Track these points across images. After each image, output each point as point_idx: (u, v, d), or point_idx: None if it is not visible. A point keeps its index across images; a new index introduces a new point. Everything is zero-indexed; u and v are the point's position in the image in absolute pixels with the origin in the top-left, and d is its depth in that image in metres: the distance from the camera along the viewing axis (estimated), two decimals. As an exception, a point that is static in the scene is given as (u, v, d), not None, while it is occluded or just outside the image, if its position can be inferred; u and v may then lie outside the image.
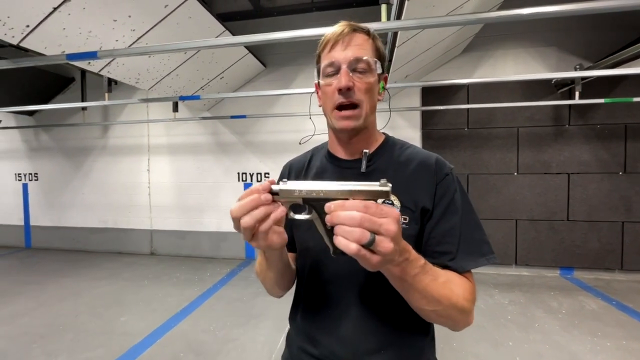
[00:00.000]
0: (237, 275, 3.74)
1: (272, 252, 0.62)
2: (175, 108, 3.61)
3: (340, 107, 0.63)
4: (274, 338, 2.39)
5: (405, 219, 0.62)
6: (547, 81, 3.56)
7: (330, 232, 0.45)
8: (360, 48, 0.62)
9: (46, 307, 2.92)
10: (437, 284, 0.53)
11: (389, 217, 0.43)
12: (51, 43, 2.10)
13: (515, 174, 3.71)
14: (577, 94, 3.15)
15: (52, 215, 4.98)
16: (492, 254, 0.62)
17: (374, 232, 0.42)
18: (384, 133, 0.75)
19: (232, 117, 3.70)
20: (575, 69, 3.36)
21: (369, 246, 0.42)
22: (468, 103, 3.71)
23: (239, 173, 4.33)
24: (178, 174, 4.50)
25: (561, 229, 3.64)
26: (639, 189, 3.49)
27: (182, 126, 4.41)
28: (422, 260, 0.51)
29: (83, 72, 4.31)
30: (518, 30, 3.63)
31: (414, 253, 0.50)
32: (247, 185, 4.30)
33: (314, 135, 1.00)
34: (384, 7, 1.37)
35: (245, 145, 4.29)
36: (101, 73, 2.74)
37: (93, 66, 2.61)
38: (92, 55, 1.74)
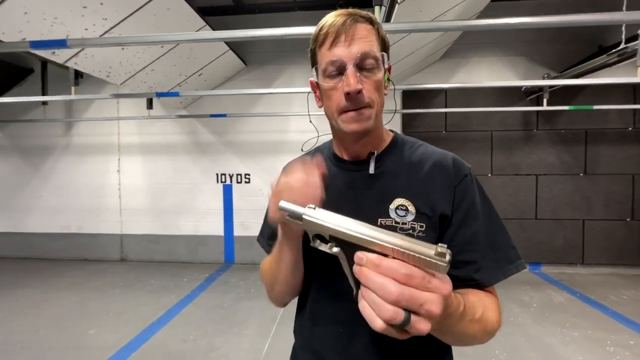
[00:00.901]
0: (216, 281, 3.60)
1: (292, 236, 0.55)
2: (150, 105, 3.41)
3: (348, 110, 0.57)
4: (259, 345, 2.31)
5: (421, 226, 0.56)
6: (518, 88, 3.78)
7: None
8: (365, 41, 0.54)
9: (0, 323, 2.64)
10: (473, 322, 0.48)
11: (436, 293, 0.34)
12: (10, 28, 1.90)
13: (490, 175, 3.90)
14: (544, 101, 3.37)
15: (6, 220, 4.52)
16: (519, 259, 0.58)
17: (412, 311, 0.34)
18: (391, 130, 0.68)
19: (212, 115, 3.57)
20: (544, 78, 3.59)
21: (400, 327, 0.34)
22: (446, 107, 3.85)
23: (217, 174, 4.18)
24: (152, 175, 4.26)
25: (530, 227, 3.87)
26: (597, 189, 3.80)
27: (156, 124, 4.18)
28: (461, 307, 0.45)
29: (44, 62, 3.96)
30: (492, 40, 3.82)
31: (454, 303, 0.43)
32: (226, 187, 4.16)
33: (318, 137, 0.92)
34: (377, 9, 1.38)
35: (225, 145, 4.15)
36: (67, 64, 2.53)
37: (58, 56, 2.39)
38: (60, 44, 1.59)
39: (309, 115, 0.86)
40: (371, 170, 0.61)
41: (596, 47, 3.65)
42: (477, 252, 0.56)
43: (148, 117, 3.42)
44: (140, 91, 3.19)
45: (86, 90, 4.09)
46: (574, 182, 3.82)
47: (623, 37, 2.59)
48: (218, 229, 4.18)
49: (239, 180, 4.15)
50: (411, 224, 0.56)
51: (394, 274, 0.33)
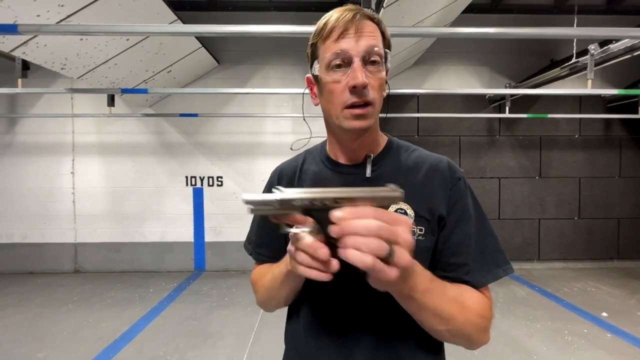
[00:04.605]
0: (186, 290, 3.39)
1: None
2: (112, 102, 3.14)
3: (352, 106, 0.56)
4: (237, 356, 2.20)
5: (420, 229, 0.56)
6: (483, 96, 4.03)
7: (333, 246, 0.40)
8: (373, 37, 0.55)
9: None
10: (447, 300, 0.50)
11: (404, 224, 0.40)
12: (-57, 9, 1.64)
13: (457, 178, 4.10)
14: (507, 108, 3.62)
15: None
16: (507, 264, 0.59)
17: (392, 243, 0.38)
18: (385, 134, 0.68)
19: (182, 115, 3.37)
20: (506, 87, 3.86)
21: (387, 259, 0.38)
22: (418, 112, 3.99)
23: (187, 177, 3.95)
24: (112, 178, 3.92)
25: (493, 226, 4.11)
26: (550, 190, 4.16)
27: (117, 123, 3.86)
28: (428, 273, 0.49)
29: (-19, 51, 3.49)
30: (459, 49, 4.04)
31: (419, 265, 0.47)
32: (196, 190, 3.95)
33: (310, 137, 0.89)
34: (365, 11, 1.38)
35: (195, 147, 3.94)
36: (14, 54, 2.25)
37: (2, 44, 2.12)
38: (9, 29, 1.40)
39: (303, 115, 0.85)
40: (368, 173, 0.60)
41: (548, 60, 4.01)
42: (468, 254, 0.57)
43: (109, 115, 3.14)
44: (100, 86, 2.93)
45: (34, 83, 3.67)
46: (531, 185, 4.15)
47: (574, 51, 2.87)
48: (187, 235, 3.95)
49: (211, 183, 3.96)
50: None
51: (370, 215, 0.39)
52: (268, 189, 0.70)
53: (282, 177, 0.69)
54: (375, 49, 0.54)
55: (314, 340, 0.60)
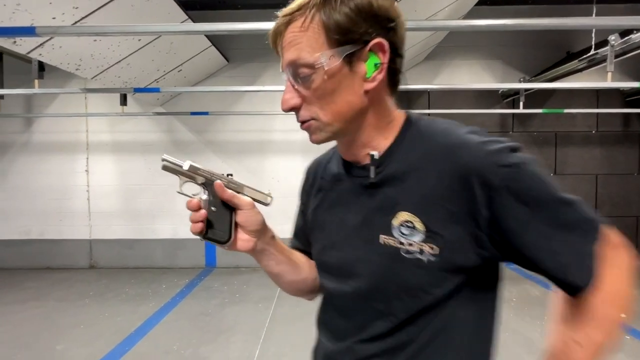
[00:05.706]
0: (198, 286, 3.44)
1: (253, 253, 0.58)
2: (124, 101, 3.19)
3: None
4: (249, 352, 2.22)
5: (432, 247, 0.45)
6: (495, 91, 3.94)
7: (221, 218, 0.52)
8: (292, 47, 0.46)
9: (-51, 343, 2.34)
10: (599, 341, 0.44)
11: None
12: (-37, 12, 1.68)
13: (469, 175, 4.03)
14: (521, 103, 3.53)
15: (-48, 226, 4.05)
16: (592, 230, 0.44)
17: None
18: (406, 112, 0.54)
19: (193, 113, 3.40)
20: (520, 81, 3.77)
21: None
22: (429, 108, 3.93)
23: (197, 174, 3.99)
24: (125, 176, 3.99)
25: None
26: (566, 188, 3.99)
27: (130, 122, 3.92)
28: (562, 337, 0.46)
29: (-1, 53, 3.59)
30: (470, 43, 3.95)
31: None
32: (207, 188, 3.99)
33: None
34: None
35: (206, 145, 3.98)
36: (30, 55, 2.30)
37: (20, 46, 2.16)
38: (28, 32, 1.43)
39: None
40: (372, 176, 0.50)
41: (564, 53, 3.89)
42: (552, 253, 0.45)
43: (122, 114, 3.19)
44: (113, 86, 2.98)
45: (49, 84, 3.74)
46: (545, 181, 4.05)
47: (593, 42, 2.77)
48: (198, 232, 4.00)
49: (221, 181, 3.99)
50: (419, 245, 0.45)
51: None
52: (303, 184, 0.68)
53: (310, 173, 0.66)
54: (299, 61, 0.45)
55: (322, 335, 0.61)
